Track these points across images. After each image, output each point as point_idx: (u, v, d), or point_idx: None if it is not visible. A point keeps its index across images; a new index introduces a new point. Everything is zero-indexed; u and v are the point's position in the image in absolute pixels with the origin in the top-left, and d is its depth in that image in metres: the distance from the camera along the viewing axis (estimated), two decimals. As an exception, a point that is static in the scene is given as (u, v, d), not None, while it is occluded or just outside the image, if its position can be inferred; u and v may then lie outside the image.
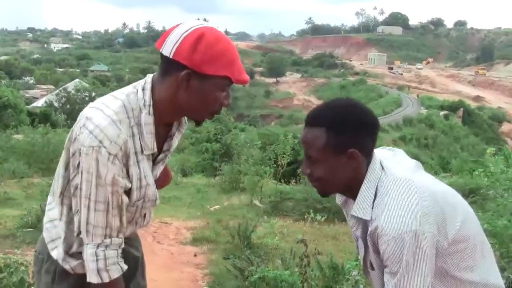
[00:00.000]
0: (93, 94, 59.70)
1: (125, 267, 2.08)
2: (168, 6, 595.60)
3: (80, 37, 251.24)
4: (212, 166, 17.71)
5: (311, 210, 8.79)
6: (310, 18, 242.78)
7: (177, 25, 2.02)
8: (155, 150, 2.06)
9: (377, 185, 1.96)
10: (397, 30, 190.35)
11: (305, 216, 8.78)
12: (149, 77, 2.07)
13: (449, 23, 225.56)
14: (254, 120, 68.67)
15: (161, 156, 2.14)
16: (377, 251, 1.94)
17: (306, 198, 10.00)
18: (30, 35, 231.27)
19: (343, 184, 2.03)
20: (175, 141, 2.21)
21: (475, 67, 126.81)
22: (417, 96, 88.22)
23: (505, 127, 74.11)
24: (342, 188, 2.06)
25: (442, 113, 70.31)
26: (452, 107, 74.29)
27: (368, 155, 1.99)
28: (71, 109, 56.90)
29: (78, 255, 2.12)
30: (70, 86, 63.49)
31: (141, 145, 2.01)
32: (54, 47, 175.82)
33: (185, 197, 12.52)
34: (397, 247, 1.82)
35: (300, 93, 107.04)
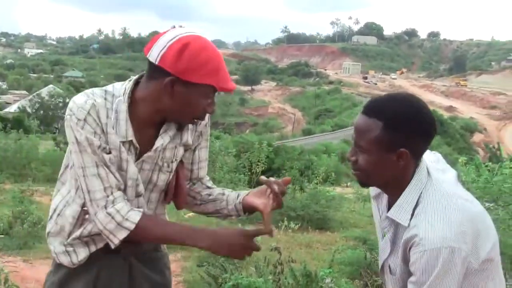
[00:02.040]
0: (67, 100, 59.24)
1: (141, 209, 2.08)
2: (143, 13, 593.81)
3: (54, 42, 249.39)
4: (187, 173, 17.65)
5: (285, 218, 8.82)
6: (285, 27, 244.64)
7: (165, 32, 2.05)
8: (130, 138, 2.05)
9: (421, 193, 1.91)
10: (372, 40, 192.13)
11: (279, 224, 8.80)
12: (139, 74, 2.12)
13: (422, 34, 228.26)
14: (229, 128, 68.65)
15: (147, 154, 2.12)
16: (405, 258, 1.91)
17: (280, 206, 10.01)
18: (4, 39, 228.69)
19: (385, 181, 1.97)
20: (159, 143, 2.13)
21: (455, 78, 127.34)
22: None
23: (477, 137, 74.95)
24: (382, 183, 2.00)
25: (415, 122, 70.93)
26: (436, 124, 74.84)
27: (418, 159, 1.94)
28: (45, 115, 56.48)
29: (69, 246, 2.13)
30: (44, 92, 63.02)
31: (111, 126, 2.03)
32: (28, 52, 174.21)
33: (159, 204, 12.45)
34: (432, 259, 1.78)
35: (275, 101, 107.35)
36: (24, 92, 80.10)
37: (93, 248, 2.15)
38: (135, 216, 2.02)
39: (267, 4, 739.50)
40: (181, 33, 2.00)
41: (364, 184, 2.05)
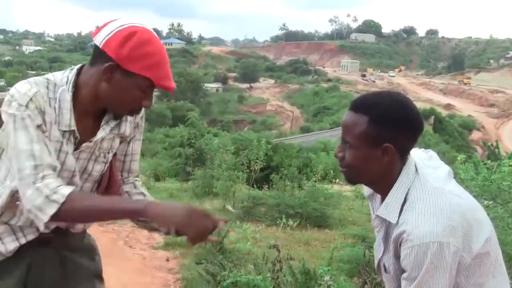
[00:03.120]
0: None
1: (72, 186, 1.99)
2: (142, 10, 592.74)
3: (52, 39, 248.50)
4: (185, 170, 17.63)
5: (284, 216, 8.84)
6: (284, 24, 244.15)
7: (115, 19, 2.06)
8: (73, 128, 2.04)
9: (409, 189, 1.93)
10: (370, 38, 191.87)
11: (278, 222, 8.81)
12: (81, 64, 2.12)
13: (421, 32, 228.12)
14: (227, 125, 68.58)
15: (85, 144, 2.10)
16: (397, 255, 1.93)
17: (278, 203, 10.04)
18: (1, 36, 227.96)
19: (372, 177, 1.99)
20: (101, 134, 2.14)
21: (459, 76, 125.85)
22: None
23: (475, 135, 74.94)
24: (369, 180, 2.03)
25: (413, 120, 70.89)
26: (424, 115, 74.31)
27: (404, 155, 1.96)
28: (43, 112, 56.36)
29: None
30: (42, 89, 62.84)
31: (56, 118, 2.01)
32: (26, 50, 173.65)
33: (158, 202, 12.45)
34: (420, 254, 1.80)
35: (273, 98, 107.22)
36: (22, 89, 79.98)
37: (22, 240, 2.11)
38: (65, 190, 1.92)
39: (266, 1, 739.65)
40: (131, 23, 2.01)
41: (351, 180, 2.07)
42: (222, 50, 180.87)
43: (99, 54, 2.00)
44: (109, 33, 1.98)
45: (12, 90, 1.98)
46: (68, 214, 1.94)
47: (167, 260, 7.07)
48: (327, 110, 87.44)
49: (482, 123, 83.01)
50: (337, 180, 15.24)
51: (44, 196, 1.90)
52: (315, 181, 11.08)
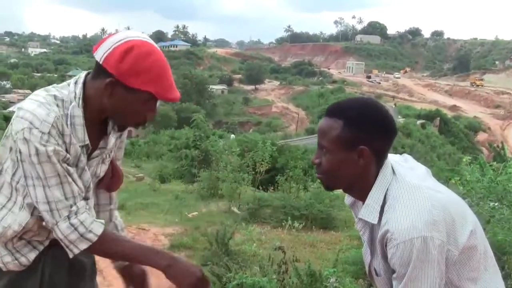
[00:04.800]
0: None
1: (103, 220, 2.08)
2: (147, 12, 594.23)
3: (58, 42, 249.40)
4: (191, 172, 17.67)
5: (289, 218, 8.83)
6: (289, 26, 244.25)
7: (114, 33, 2.06)
8: (87, 142, 2.06)
9: (387, 190, 1.95)
10: (375, 39, 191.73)
11: (283, 223, 8.81)
12: (83, 73, 2.10)
13: (426, 33, 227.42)
14: (233, 127, 68.63)
15: (96, 152, 2.13)
16: (385, 256, 1.93)
17: (284, 205, 10.04)
18: (7, 39, 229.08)
19: (348, 181, 2.01)
20: (112, 140, 2.19)
21: (470, 77, 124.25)
22: (395, 105, 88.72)
23: (481, 136, 74.81)
24: (346, 184, 2.04)
25: (419, 122, 70.69)
26: (429, 116, 74.78)
27: (380, 158, 1.98)
28: (48, 114, 56.45)
29: (9, 252, 2.11)
30: (48, 91, 62.93)
31: (70, 135, 2.01)
32: (32, 52, 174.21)
33: (163, 204, 12.48)
34: (406, 251, 1.81)
35: (278, 100, 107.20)
36: (28, 91, 79.94)
37: (41, 247, 2.16)
38: (98, 228, 2.03)
39: (271, 3, 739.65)
40: (129, 36, 1.99)
41: (329, 187, 2.09)
42: (227, 52, 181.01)
43: (100, 70, 1.99)
44: (108, 49, 1.97)
45: (26, 114, 1.94)
46: (96, 251, 2.10)
47: (173, 262, 7.06)
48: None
49: (488, 124, 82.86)
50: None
51: (78, 234, 1.99)
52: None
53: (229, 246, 7.00)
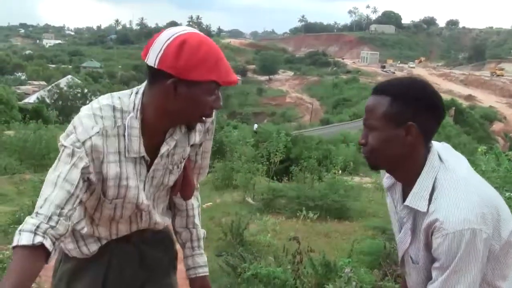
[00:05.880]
0: (85, 90, 59.60)
1: (48, 242, 1.82)
2: (161, 3, 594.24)
3: (72, 33, 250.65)
4: (205, 163, 17.71)
5: (304, 208, 8.82)
6: (303, 16, 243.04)
7: (159, 33, 2.00)
8: (142, 153, 2.04)
9: (436, 178, 1.91)
10: (390, 29, 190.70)
11: (298, 214, 8.80)
12: (145, 83, 2.07)
13: (441, 22, 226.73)
14: (247, 118, 68.67)
15: (157, 160, 2.10)
16: (427, 245, 1.90)
17: (298, 195, 10.04)
18: (22, 30, 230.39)
19: (395, 160, 1.96)
20: (179, 151, 2.17)
21: (490, 67, 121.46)
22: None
23: (496, 126, 74.32)
24: (392, 163, 1.98)
25: (434, 111, 70.42)
26: (444, 106, 74.38)
27: (427, 139, 1.94)
28: (63, 106, 56.80)
29: (73, 240, 2.17)
30: (62, 82, 63.29)
31: (125, 146, 2.00)
32: (47, 43, 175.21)
33: (178, 194, 12.51)
34: (455, 242, 1.78)
35: (292, 91, 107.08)
36: (43, 82, 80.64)
37: (103, 241, 2.20)
38: (23, 239, 1.79)
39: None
40: (176, 32, 1.95)
41: (374, 165, 2.03)
42: (241, 42, 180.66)
43: (156, 74, 1.94)
44: (160, 50, 1.91)
45: (76, 120, 1.98)
46: None
47: (188, 252, 7.08)
48: (347, 102, 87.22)
49: (504, 114, 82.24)
50: (358, 173, 15.16)
51: (19, 229, 1.85)
52: (335, 173, 11.04)
53: (243, 236, 7.01)
